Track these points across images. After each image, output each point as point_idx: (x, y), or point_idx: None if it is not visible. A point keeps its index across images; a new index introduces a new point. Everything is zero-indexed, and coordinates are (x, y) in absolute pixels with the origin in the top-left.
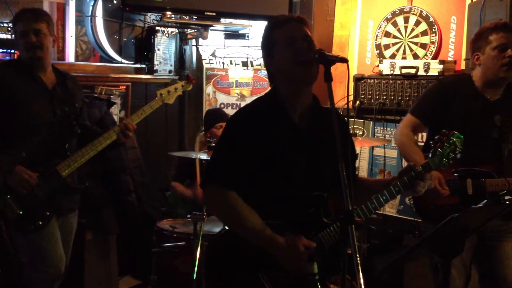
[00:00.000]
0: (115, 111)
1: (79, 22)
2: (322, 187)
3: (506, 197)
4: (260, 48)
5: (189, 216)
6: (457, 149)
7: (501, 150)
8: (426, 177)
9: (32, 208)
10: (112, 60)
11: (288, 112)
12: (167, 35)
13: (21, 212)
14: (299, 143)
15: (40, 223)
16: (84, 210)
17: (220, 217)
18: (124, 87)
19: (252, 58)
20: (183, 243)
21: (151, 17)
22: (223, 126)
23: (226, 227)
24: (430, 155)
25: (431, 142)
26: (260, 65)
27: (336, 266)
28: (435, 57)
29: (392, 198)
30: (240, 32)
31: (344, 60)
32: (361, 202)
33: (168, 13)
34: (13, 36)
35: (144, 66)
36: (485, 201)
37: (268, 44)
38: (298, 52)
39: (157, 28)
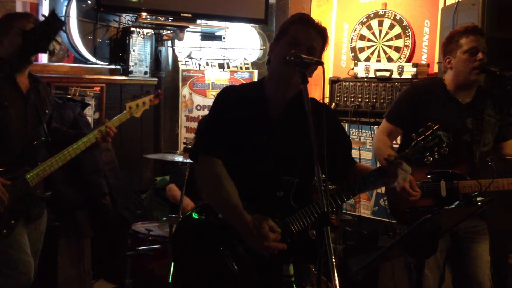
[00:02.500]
0: (89, 113)
1: None
2: (292, 174)
3: (478, 198)
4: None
5: (164, 218)
6: (443, 143)
7: (473, 152)
8: (402, 166)
9: None
10: (86, 61)
11: (268, 97)
12: (142, 36)
13: None
14: (266, 128)
15: (5, 231)
16: (57, 213)
17: (204, 185)
18: (99, 88)
19: (229, 60)
20: (158, 246)
21: (126, 18)
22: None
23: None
24: (411, 146)
25: (413, 134)
26: (236, 67)
27: (307, 253)
28: (408, 60)
29: (365, 187)
30: (217, 33)
31: (320, 63)
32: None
33: (144, 14)
34: None
35: (119, 67)
36: (458, 202)
37: (281, 31)
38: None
39: (132, 29)
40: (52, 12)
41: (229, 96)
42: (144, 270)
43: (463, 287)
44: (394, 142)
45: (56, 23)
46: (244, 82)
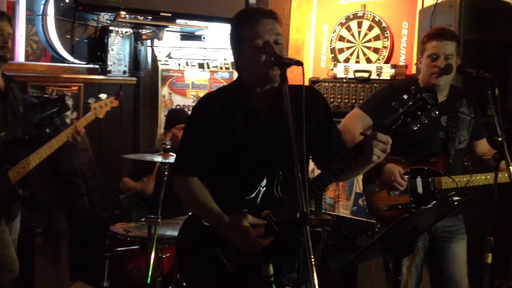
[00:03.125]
0: (67, 112)
1: (30, 21)
2: (277, 167)
3: (455, 198)
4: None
5: (143, 219)
6: (427, 105)
7: (448, 150)
8: (379, 137)
9: None
10: (64, 60)
11: (250, 99)
12: (121, 35)
13: None
14: (255, 128)
15: None
16: (34, 214)
17: (184, 203)
18: (76, 87)
19: (209, 60)
20: (137, 247)
21: (105, 17)
22: (183, 127)
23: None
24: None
25: (394, 103)
26: (216, 67)
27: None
28: (387, 61)
29: (346, 166)
30: (196, 33)
31: (299, 63)
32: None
33: (122, 13)
34: None
35: (97, 66)
36: (434, 202)
37: (236, 39)
38: (267, 56)
39: (111, 28)
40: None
41: (206, 106)
42: (122, 271)
43: (440, 286)
44: None
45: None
46: (224, 83)
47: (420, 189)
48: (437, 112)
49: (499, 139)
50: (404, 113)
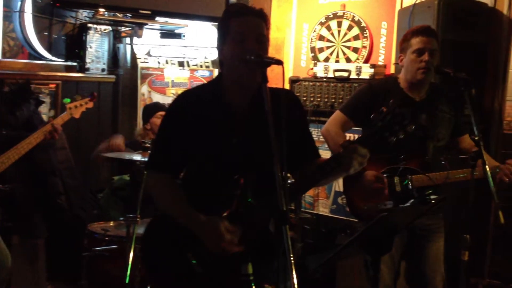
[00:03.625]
0: (44, 110)
1: (7, 17)
2: (252, 169)
3: (432, 197)
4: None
5: (122, 218)
6: (406, 120)
7: (425, 148)
8: (357, 150)
9: None
10: (41, 57)
11: (228, 98)
12: (100, 32)
13: None
14: (233, 127)
15: None
16: (11, 213)
17: (155, 199)
18: (54, 85)
19: (189, 58)
20: (115, 246)
21: (83, 14)
22: (163, 115)
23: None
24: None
25: (372, 115)
26: (196, 65)
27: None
28: (366, 61)
29: (323, 176)
30: (176, 31)
31: (280, 62)
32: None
33: (101, 10)
34: None
35: (75, 64)
36: (412, 200)
37: (222, 30)
38: (247, 52)
39: (90, 25)
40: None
41: (184, 103)
42: (101, 271)
43: (415, 282)
44: None
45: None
46: (204, 81)
47: (398, 187)
48: (413, 127)
49: (476, 138)
50: (382, 126)
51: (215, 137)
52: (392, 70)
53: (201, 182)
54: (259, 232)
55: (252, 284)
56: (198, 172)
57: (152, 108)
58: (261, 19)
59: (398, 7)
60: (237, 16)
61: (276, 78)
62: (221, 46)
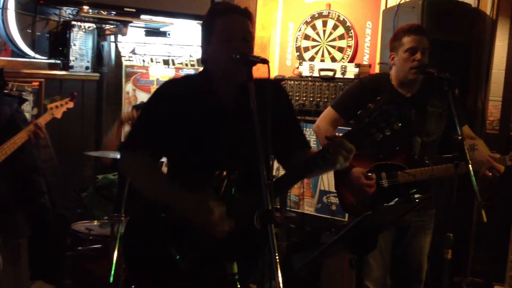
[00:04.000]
0: (27, 109)
1: None
2: (236, 164)
3: (416, 195)
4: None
5: (106, 217)
6: (392, 117)
7: (411, 143)
8: (343, 144)
9: None
10: (24, 55)
11: (215, 90)
12: (84, 30)
13: None
14: (220, 121)
15: None
16: None
17: (132, 180)
18: (37, 83)
19: (174, 56)
20: (99, 245)
21: (67, 11)
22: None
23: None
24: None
25: (360, 111)
26: (181, 63)
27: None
28: (351, 60)
29: (310, 170)
30: (161, 29)
31: (265, 61)
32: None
33: (85, 7)
34: None
35: (59, 61)
36: (397, 199)
37: (207, 29)
38: (233, 51)
39: (73, 22)
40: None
41: (172, 90)
42: (84, 270)
43: (399, 275)
44: None
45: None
46: None
47: (385, 183)
48: (399, 124)
49: (459, 137)
50: (368, 123)
51: (200, 127)
52: (377, 69)
53: (184, 177)
54: (243, 228)
55: (237, 283)
56: (181, 165)
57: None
58: (246, 17)
59: (382, 7)
60: (222, 15)
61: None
62: (205, 46)
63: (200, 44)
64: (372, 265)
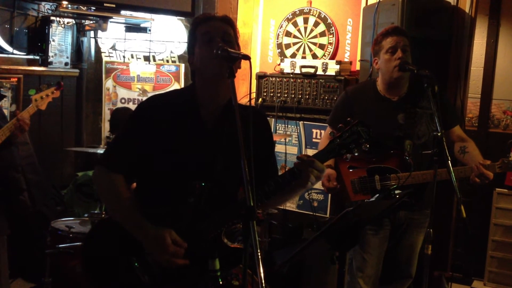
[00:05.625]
0: (5, 105)
1: None
2: (213, 180)
3: (396, 191)
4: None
5: (86, 215)
6: (361, 139)
7: (403, 146)
8: (314, 164)
9: None
10: (2, 50)
11: (198, 107)
12: (63, 25)
13: None
14: (199, 136)
15: None
16: None
17: (101, 197)
18: (16, 79)
19: (155, 52)
20: (79, 243)
21: (46, 6)
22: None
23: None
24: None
25: (332, 131)
26: (162, 60)
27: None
28: (332, 57)
29: (279, 188)
30: (142, 25)
31: (247, 57)
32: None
33: (64, 2)
34: None
35: (37, 57)
36: (377, 195)
37: (191, 39)
38: (214, 48)
39: (52, 18)
40: None
41: (152, 106)
42: (65, 268)
43: (390, 268)
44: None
45: None
46: (171, 76)
47: (378, 186)
48: (368, 146)
49: (439, 134)
50: (338, 144)
51: (180, 145)
52: (357, 66)
53: (157, 188)
54: (211, 242)
55: (219, 280)
56: (155, 178)
57: (119, 117)
58: (227, 24)
59: (363, 5)
60: (203, 23)
61: (244, 74)
62: (191, 58)
63: (188, 58)
64: (368, 262)
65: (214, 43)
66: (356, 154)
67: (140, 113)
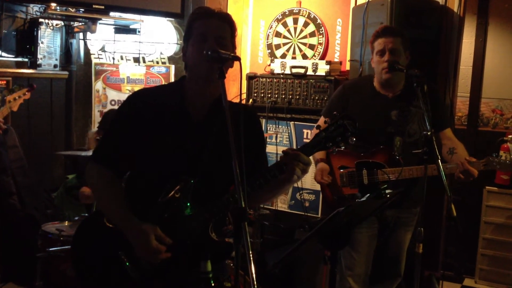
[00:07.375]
0: None
1: None
2: (199, 175)
3: (387, 191)
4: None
5: (77, 218)
6: (348, 132)
7: (392, 142)
8: (300, 158)
9: None
10: None
11: (188, 103)
12: (51, 27)
13: None
14: (186, 131)
15: None
16: None
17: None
18: (4, 82)
19: (144, 54)
20: (70, 246)
21: (34, 8)
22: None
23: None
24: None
25: (318, 125)
26: (152, 61)
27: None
28: (322, 57)
29: (266, 182)
30: (131, 27)
31: (237, 58)
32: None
33: (53, 4)
34: None
35: (26, 60)
36: (368, 195)
37: (187, 33)
38: (205, 49)
39: (41, 20)
40: None
41: (140, 100)
42: (56, 271)
43: (379, 267)
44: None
45: None
46: (161, 77)
47: (365, 180)
48: (354, 139)
49: (428, 133)
50: (325, 137)
51: (168, 140)
52: (347, 67)
53: (144, 183)
54: (197, 237)
55: (211, 282)
56: (143, 172)
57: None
58: (225, 23)
59: (352, 5)
60: (201, 18)
61: (234, 74)
62: (185, 48)
63: (182, 47)
64: (357, 261)
65: (207, 45)
66: (343, 147)
67: (128, 106)
